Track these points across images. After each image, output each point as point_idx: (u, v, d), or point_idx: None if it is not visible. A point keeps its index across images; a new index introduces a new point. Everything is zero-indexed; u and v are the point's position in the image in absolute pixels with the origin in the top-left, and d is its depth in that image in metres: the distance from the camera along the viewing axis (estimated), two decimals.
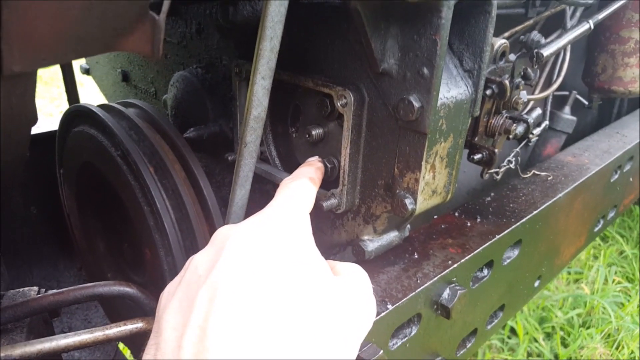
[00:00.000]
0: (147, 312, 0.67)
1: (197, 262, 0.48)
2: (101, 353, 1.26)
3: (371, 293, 0.53)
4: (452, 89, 0.63)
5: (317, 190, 0.65)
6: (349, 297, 0.50)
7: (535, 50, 0.90)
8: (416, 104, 0.59)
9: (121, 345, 1.38)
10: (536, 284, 1.19)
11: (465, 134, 0.68)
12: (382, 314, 0.67)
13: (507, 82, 0.84)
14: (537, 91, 1.23)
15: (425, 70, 0.58)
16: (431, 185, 0.66)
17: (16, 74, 0.37)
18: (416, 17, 0.57)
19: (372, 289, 0.54)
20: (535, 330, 2.34)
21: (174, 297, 0.46)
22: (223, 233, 0.51)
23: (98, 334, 0.59)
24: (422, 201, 0.66)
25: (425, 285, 0.73)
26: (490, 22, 0.63)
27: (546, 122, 1.15)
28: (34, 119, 0.52)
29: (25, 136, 0.47)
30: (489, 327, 1.04)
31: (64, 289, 0.63)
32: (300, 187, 0.62)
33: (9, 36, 0.34)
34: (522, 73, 0.96)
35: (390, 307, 0.68)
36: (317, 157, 0.76)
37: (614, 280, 2.66)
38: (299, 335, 0.43)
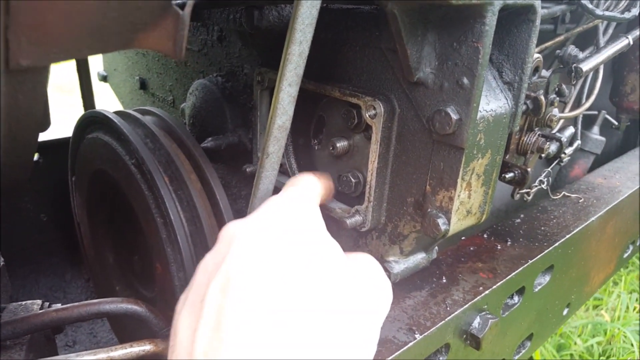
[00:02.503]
0: (156, 332, 0.63)
1: (206, 262, 0.47)
2: None
3: (385, 276, 0.52)
4: (492, 101, 0.59)
5: (323, 188, 0.63)
6: (364, 277, 0.49)
7: (574, 65, 0.85)
8: (454, 116, 0.54)
9: None
10: (565, 312, 1.13)
11: (503, 151, 0.63)
12: (410, 344, 0.61)
13: (542, 97, 0.79)
14: (566, 110, 1.17)
15: (465, 80, 0.53)
16: (466, 204, 0.61)
17: (24, 69, 0.33)
18: (456, 23, 0.53)
19: (384, 273, 0.53)
20: (553, 358, 2.24)
21: (186, 300, 0.45)
22: (229, 229, 0.49)
23: (102, 356, 0.54)
24: (456, 221, 0.61)
25: (455, 313, 0.67)
26: (534, 32, 0.58)
27: (578, 142, 1.10)
28: (45, 123, 0.48)
29: (33, 139, 0.43)
30: (517, 357, 0.98)
31: (67, 305, 0.59)
32: (304, 178, 0.61)
33: (18, 26, 0.31)
34: (556, 89, 0.91)
35: (418, 336, 0.62)
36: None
37: (634, 308, 2.56)
38: (318, 320, 0.41)
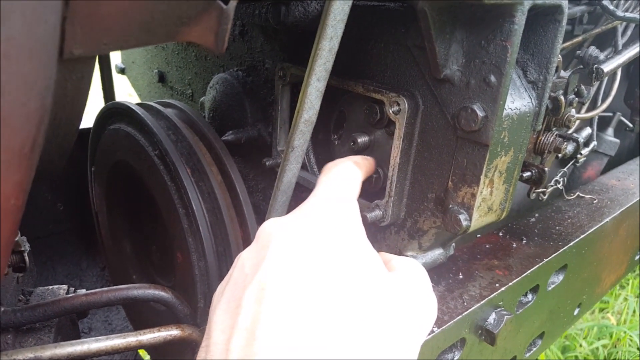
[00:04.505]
0: (181, 318, 0.64)
1: (243, 260, 0.46)
2: (120, 355, 1.23)
3: (431, 290, 0.49)
4: (516, 100, 0.59)
5: (363, 175, 0.61)
6: (407, 294, 0.46)
7: (596, 66, 0.86)
8: (480, 113, 0.55)
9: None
10: (576, 312, 1.13)
11: (525, 149, 0.64)
12: (428, 337, 0.62)
13: (561, 97, 0.80)
14: (583, 110, 1.18)
15: (493, 78, 0.54)
16: (488, 201, 0.62)
17: (75, 58, 0.35)
18: (485, 21, 0.54)
19: (431, 286, 0.50)
20: (558, 359, 2.25)
21: (222, 297, 0.44)
22: (268, 229, 0.48)
23: (131, 339, 0.56)
24: (477, 218, 0.62)
25: (472, 308, 0.68)
26: (560, 32, 0.59)
27: (594, 143, 1.10)
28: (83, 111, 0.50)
29: (74, 128, 0.45)
30: (527, 355, 0.99)
31: (96, 290, 0.61)
32: (344, 171, 0.57)
33: (75, 16, 0.32)
34: (575, 90, 0.91)
35: (436, 330, 0.63)
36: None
37: None
38: (353, 338, 0.40)
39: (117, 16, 0.34)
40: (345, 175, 0.57)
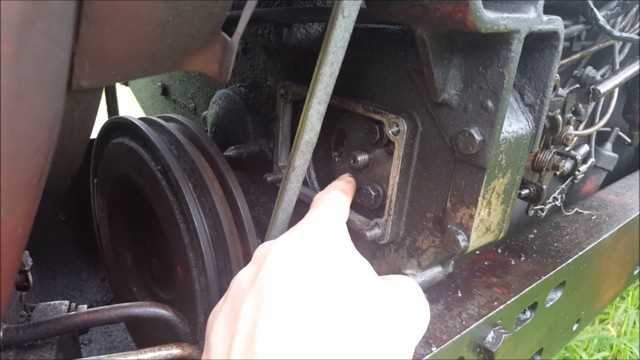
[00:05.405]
0: (181, 337, 0.65)
1: (240, 278, 0.49)
2: None
3: (423, 296, 0.52)
4: (513, 123, 0.60)
5: (350, 201, 0.67)
6: (400, 298, 0.49)
7: (592, 87, 0.87)
8: (477, 137, 0.56)
9: None
10: (574, 327, 1.13)
11: (522, 171, 0.64)
12: (427, 357, 0.63)
13: (559, 116, 0.81)
14: (581, 127, 1.19)
15: (490, 103, 0.55)
16: (485, 222, 0.63)
17: (83, 89, 0.36)
18: (483, 48, 0.55)
19: (423, 294, 0.53)
20: None
21: (220, 313, 0.46)
22: (264, 248, 0.52)
23: (131, 358, 0.56)
24: (475, 238, 0.63)
25: (471, 327, 0.69)
26: (556, 57, 0.60)
27: (592, 159, 1.11)
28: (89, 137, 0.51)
29: (80, 152, 0.46)
30: None
31: (98, 308, 0.61)
32: (333, 198, 0.62)
33: (83, 51, 0.33)
34: (572, 108, 0.93)
35: (435, 349, 0.64)
36: (347, 173, 0.77)
37: None
38: (350, 337, 0.42)
39: (124, 50, 0.35)
40: (335, 202, 0.61)
